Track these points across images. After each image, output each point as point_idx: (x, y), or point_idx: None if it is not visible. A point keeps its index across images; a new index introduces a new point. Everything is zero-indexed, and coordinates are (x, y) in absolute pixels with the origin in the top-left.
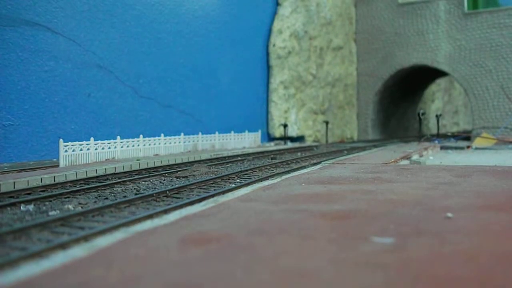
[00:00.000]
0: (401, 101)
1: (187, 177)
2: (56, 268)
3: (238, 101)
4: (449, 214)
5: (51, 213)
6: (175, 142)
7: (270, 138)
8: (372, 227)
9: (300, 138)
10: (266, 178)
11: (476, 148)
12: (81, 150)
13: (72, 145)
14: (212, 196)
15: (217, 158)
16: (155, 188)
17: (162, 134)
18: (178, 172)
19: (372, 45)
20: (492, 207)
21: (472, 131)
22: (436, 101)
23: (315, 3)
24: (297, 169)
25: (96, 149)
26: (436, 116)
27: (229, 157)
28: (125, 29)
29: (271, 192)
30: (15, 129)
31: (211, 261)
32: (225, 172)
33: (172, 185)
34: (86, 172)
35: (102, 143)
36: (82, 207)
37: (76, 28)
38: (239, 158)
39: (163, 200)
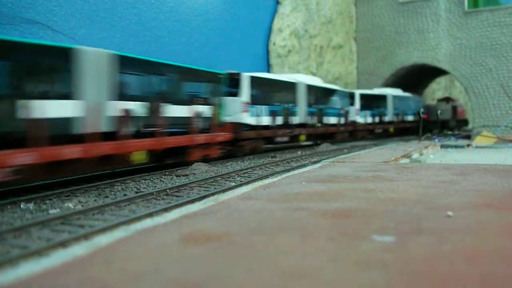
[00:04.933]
0: None
1: (187, 175)
2: (57, 266)
3: None
4: (449, 213)
5: (51, 211)
6: None
7: None
8: (373, 225)
9: None
10: (267, 177)
11: (476, 147)
12: None
13: None
14: (212, 194)
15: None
16: (155, 186)
17: None
18: (179, 171)
19: (373, 44)
20: (492, 205)
21: (472, 129)
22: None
23: (315, 1)
24: (297, 167)
25: None
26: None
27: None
28: (126, 27)
29: (271, 190)
30: None
31: (211, 260)
32: (225, 171)
33: (173, 183)
34: None
35: None
36: (82, 206)
37: (76, 27)
38: (237, 156)
39: (163, 199)
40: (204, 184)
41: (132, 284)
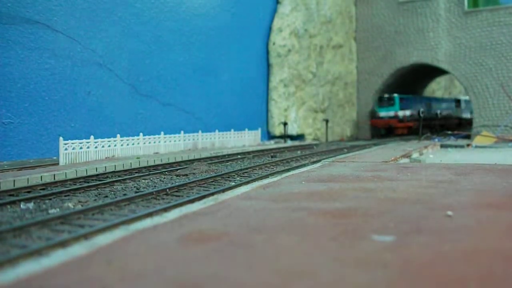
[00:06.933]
0: None
1: (187, 175)
2: (56, 266)
3: (238, 99)
4: (449, 213)
5: (51, 211)
6: (175, 140)
7: (270, 136)
8: (372, 225)
9: (300, 137)
10: (266, 176)
11: (476, 146)
12: (81, 148)
13: (72, 143)
14: (212, 194)
15: (217, 156)
16: (155, 186)
17: (162, 132)
18: (178, 170)
19: (372, 43)
20: (492, 205)
21: (472, 129)
22: None
23: (315, 1)
24: (297, 167)
25: (96, 147)
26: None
27: (229, 155)
28: (125, 27)
29: (271, 190)
30: (15, 127)
31: (211, 260)
32: (225, 170)
33: (172, 183)
34: (86, 170)
35: (102, 141)
36: (82, 205)
37: (76, 26)
38: (239, 156)
39: (163, 198)
40: (203, 184)
41: (132, 284)
